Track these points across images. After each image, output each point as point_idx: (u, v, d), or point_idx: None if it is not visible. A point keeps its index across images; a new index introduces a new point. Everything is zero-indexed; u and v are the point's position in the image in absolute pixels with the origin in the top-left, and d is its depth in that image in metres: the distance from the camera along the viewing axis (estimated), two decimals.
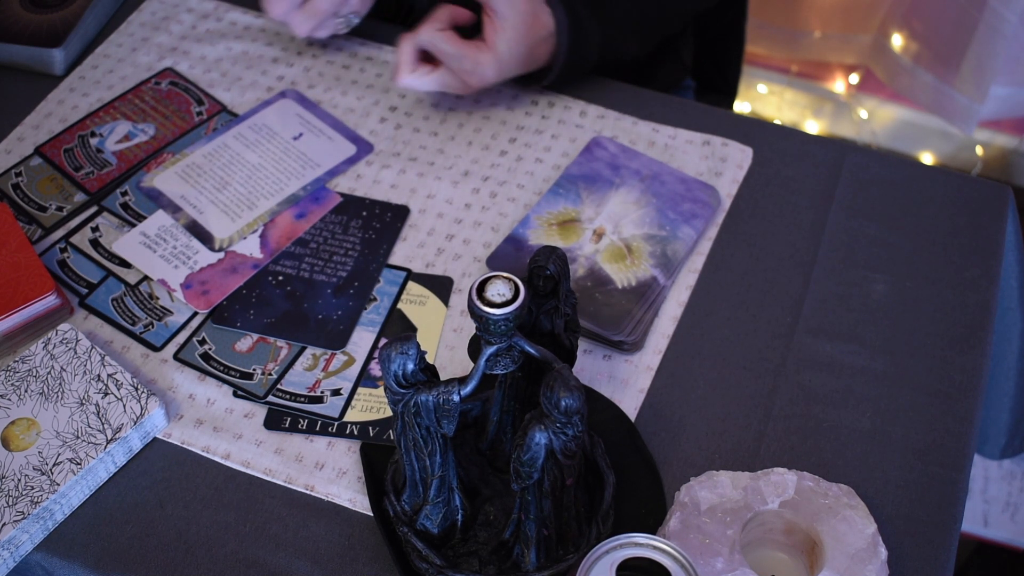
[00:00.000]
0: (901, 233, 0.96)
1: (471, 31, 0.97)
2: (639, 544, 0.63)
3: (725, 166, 1.01)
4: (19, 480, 0.77)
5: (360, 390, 0.85)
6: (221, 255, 0.93)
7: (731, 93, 1.39)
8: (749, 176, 1.00)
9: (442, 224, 0.96)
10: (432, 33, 0.92)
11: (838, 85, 1.98)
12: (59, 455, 0.78)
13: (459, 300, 0.91)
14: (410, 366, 0.67)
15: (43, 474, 0.77)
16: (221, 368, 0.86)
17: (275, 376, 0.86)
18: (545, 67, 1.00)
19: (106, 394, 0.81)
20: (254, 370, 0.86)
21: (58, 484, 0.77)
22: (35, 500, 0.76)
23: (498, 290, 0.67)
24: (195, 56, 1.10)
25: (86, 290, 0.91)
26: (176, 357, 0.87)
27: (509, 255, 0.92)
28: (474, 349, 0.72)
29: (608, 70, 1.06)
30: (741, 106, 1.98)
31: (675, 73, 1.29)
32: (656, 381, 0.86)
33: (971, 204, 0.98)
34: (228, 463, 0.81)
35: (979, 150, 1.92)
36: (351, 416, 0.84)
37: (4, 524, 0.75)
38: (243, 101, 1.06)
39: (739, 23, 1.32)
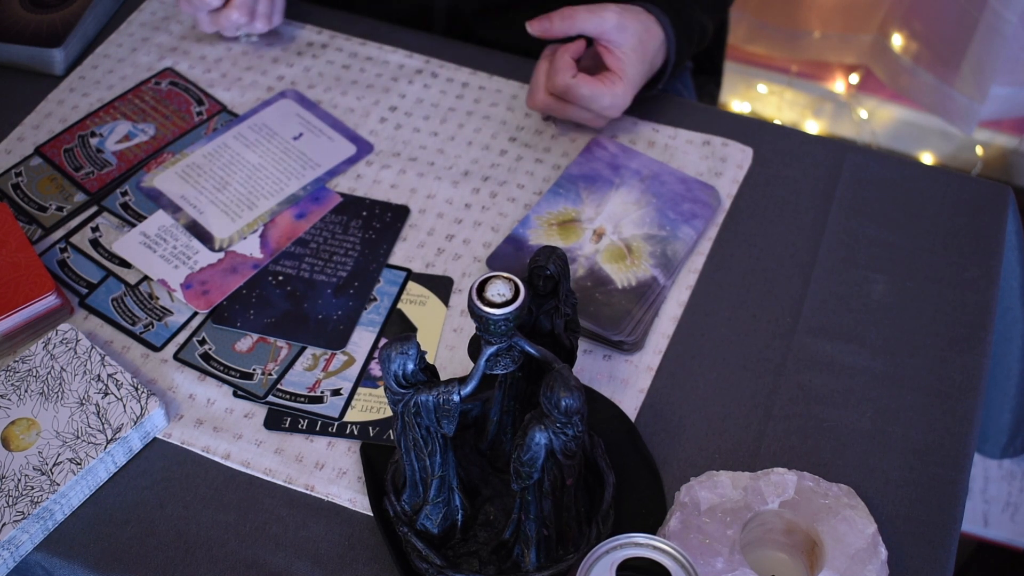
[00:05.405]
0: (901, 233, 0.96)
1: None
2: (639, 544, 0.63)
3: (725, 166, 1.01)
4: (19, 480, 0.77)
5: (360, 390, 0.85)
6: (221, 255, 0.93)
7: (716, 72, 1.38)
8: (749, 176, 1.00)
9: (442, 224, 0.96)
10: (566, 81, 0.94)
11: (838, 85, 1.97)
12: (59, 455, 0.78)
13: (459, 300, 0.91)
14: (410, 366, 0.67)
15: (43, 474, 0.77)
16: (221, 368, 0.86)
17: (275, 376, 0.86)
18: (659, 70, 1.01)
19: (106, 394, 0.81)
20: (254, 370, 0.86)
21: (58, 484, 0.77)
22: (35, 500, 0.76)
23: (498, 290, 0.67)
24: (195, 56, 1.10)
25: (86, 290, 0.91)
26: (176, 357, 0.87)
27: (509, 255, 0.92)
28: (474, 349, 0.72)
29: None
30: (741, 106, 1.98)
31: None
32: (656, 381, 0.86)
33: (971, 204, 0.98)
34: (228, 463, 0.81)
35: (979, 150, 1.91)
36: (351, 416, 0.84)
37: (4, 524, 0.75)
38: (243, 101, 1.06)
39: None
